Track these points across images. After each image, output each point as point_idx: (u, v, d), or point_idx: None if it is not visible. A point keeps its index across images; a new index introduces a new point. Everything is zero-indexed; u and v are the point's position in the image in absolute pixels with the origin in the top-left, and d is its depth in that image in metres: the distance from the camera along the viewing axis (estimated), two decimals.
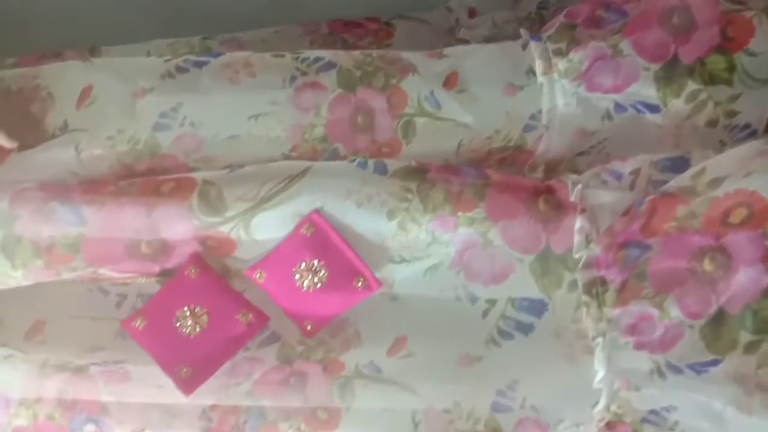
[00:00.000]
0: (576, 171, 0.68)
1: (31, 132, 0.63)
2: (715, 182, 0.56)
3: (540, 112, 0.67)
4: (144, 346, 0.60)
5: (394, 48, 0.82)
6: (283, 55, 0.67)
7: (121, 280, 0.62)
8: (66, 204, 0.58)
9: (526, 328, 0.61)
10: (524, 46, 0.70)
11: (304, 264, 0.61)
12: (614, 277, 0.58)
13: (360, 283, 0.61)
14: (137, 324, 0.60)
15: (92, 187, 0.60)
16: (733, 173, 0.56)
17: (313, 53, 0.68)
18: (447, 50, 0.71)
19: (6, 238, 0.58)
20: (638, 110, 0.68)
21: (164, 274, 0.62)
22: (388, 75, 0.66)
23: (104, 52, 0.76)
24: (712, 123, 0.66)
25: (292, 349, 0.62)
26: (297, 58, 0.67)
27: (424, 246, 0.61)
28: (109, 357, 0.62)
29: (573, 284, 0.61)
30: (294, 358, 0.61)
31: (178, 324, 0.60)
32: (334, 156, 0.65)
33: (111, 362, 0.61)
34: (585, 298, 0.59)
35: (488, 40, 0.81)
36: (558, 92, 0.67)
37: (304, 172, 0.61)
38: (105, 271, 0.60)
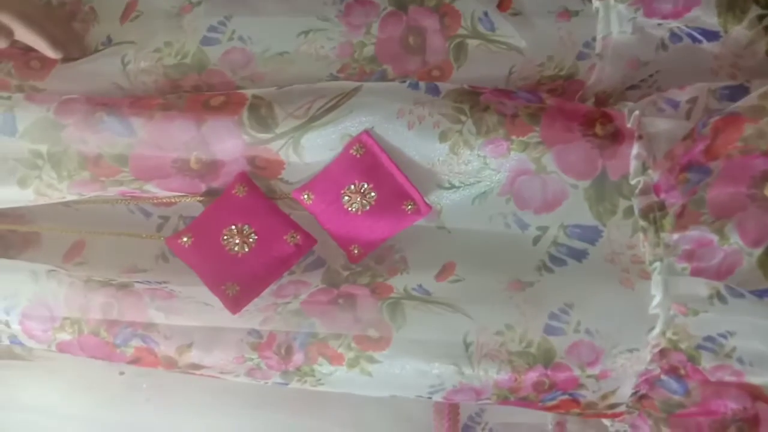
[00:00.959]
0: (625, 102, 0.67)
1: (74, 45, 0.61)
2: None
3: (594, 39, 0.65)
4: (190, 264, 0.59)
5: None
6: None
7: (165, 200, 0.61)
8: (113, 114, 0.57)
9: (579, 255, 0.60)
10: None
11: (353, 186, 0.59)
12: (675, 201, 0.56)
13: (410, 207, 0.60)
14: (183, 241, 0.59)
15: (140, 100, 0.59)
16: None
17: None
18: None
19: (52, 148, 0.57)
20: (695, 39, 0.65)
21: (209, 193, 0.60)
22: None
23: None
24: None
25: (337, 273, 0.61)
26: None
27: (474, 171, 0.60)
28: (151, 277, 0.61)
29: (628, 211, 0.59)
30: (340, 282, 0.60)
31: (225, 242, 0.59)
32: (383, 78, 0.63)
33: (154, 282, 0.60)
34: (642, 222, 0.57)
35: None
36: (614, 18, 0.65)
37: (354, 91, 0.59)
38: (150, 187, 0.59)
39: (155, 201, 0.62)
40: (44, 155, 0.57)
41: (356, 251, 0.61)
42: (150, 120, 0.57)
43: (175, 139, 0.57)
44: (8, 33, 0.57)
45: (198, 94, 0.60)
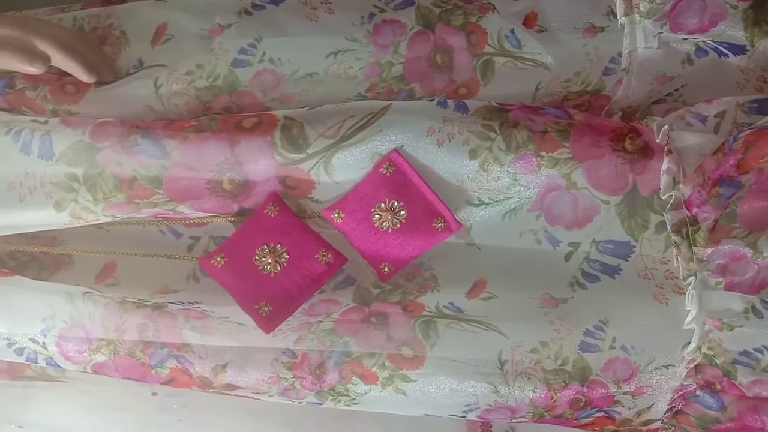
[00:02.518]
0: (653, 116, 0.67)
1: (107, 69, 0.62)
2: None
3: (620, 55, 0.66)
4: (223, 284, 0.59)
5: None
6: None
7: (196, 220, 0.62)
8: (148, 137, 0.57)
9: (612, 271, 0.59)
10: None
11: (383, 204, 0.60)
12: (707, 215, 0.56)
13: (440, 224, 0.60)
14: (217, 261, 0.59)
15: (173, 122, 0.59)
16: None
17: None
18: None
19: (88, 171, 0.57)
20: (720, 53, 0.66)
21: (241, 213, 0.61)
22: (467, 13, 0.64)
23: None
24: None
25: (368, 292, 0.61)
26: None
27: (504, 188, 0.60)
28: (183, 298, 0.62)
29: (661, 225, 0.59)
30: (371, 300, 0.61)
31: (257, 262, 0.59)
32: (411, 97, 0.64)
33: (186, 302, 0.61)
34: (675, 237, 0.57)
35: None
36: (639, 34, 0.65)
37: (384, 110, 0.60)
38: (183, 208, 0.59)
39: (187, 222, 0.62)
40: (80, 178, 0.58)
41: (386, 269, 0.61)
42: (183, 141, 0.58)
43: (209, 160, 0.58)
44: (45, 59, 0.58)
45: (230, 116, 0.60)
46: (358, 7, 0.64)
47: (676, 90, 0.69)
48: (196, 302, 0.61)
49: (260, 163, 0.58)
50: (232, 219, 0.61)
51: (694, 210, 0.57)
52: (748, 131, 0.56)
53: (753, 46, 0.64)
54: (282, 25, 0.63)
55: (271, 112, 0.60)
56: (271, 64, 0.62)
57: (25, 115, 0.61)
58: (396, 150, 0.59)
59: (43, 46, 0.59)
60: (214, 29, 0.63)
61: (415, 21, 0.64)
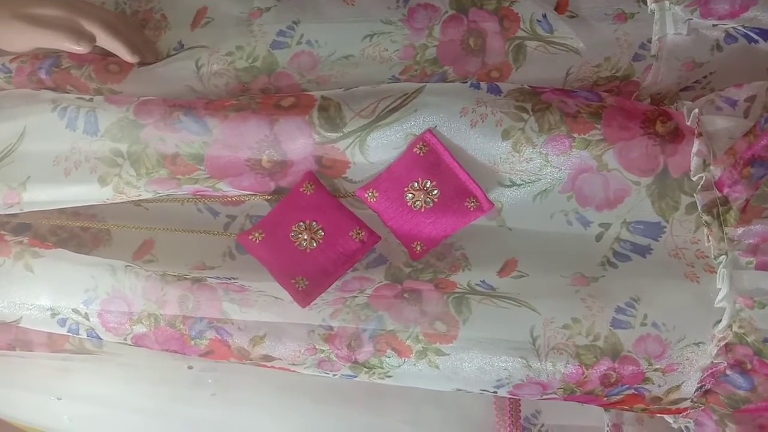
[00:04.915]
0: (682, 101, 0.68)
1: (149, 51, 0.64)
2: None
3: (649, 41, 0.67)
4: (260, 259, 0.61)
5: None
6: None
7: (234, 198, 0.63)
8: (190, 114, 0.59)
9: (643, 250, 0.60)
10: None
11: (416, 183, 0.61)
12: (738, 195, 0.57)
13: (472, 204, 0.61)
14: (254, 237, 0.61)
15: (213, 101, 0.61)
16: None
17: None
18: None
19: (132, 147, 0.59)
20: (750, 39, 0.66)
21: (277, 192, 0.62)
22: None
23: None
24: None
25: (399, 270, 0.62)
26: None
27: (536, 169, 0.61)
28: (221, 274, 0.63)
29: (691, 206, 0.60)
30: (403, 278, 0.62)
31: (294, 238, 0.61)
32: (443, 79, 0.65)
33: (224, 278, 0.62)
34: (706, 217, 0.58)
35: None
36: (669, 20, 0.66)
37: (418, 91, 0.61)
38: (223, 186, 0.61)
39: (224, 200, 0.64)
40: (124, 154, 0.59)
41: (418, 248, 0.62)
42: (224, 120, 0.59)
43: (249, 138, 0.59)
44: (91, 39, 0.60)
45: (269, 96, 0.62)
46: None
47: (705, 77, 0.69)
48: (233, 278, 0.62)
49: (298, 142, 0.60)
50: (269, 198, 0.63)
51: (726, 190, 0.58)
52: None
53: None
54: (319, 8, 0.64)
55: (308, 92, 0.62)
56: (308, 46, 0.63)
57: (70, 93, 0.63)
58: (430, 130, 0.60)
59: (89, 27, 0.60)
60: (254, 12, 0.65)
61: (449, 5, 0.65)
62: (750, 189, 0.57)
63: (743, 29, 0.66)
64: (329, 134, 0.60)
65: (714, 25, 0.66)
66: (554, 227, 0.62)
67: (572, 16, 0.66)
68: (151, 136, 0.59)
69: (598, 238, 0.62)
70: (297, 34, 0.63)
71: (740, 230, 0.56)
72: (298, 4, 0.64)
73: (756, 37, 0.66)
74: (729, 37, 0.67)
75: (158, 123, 0.59)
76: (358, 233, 0.61)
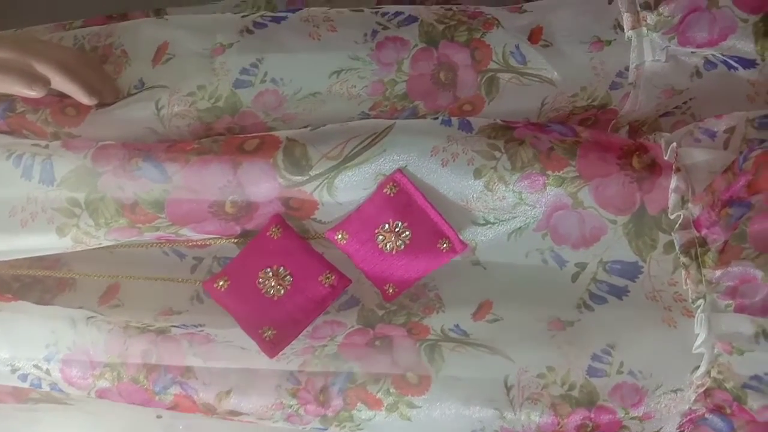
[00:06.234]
0: (660, 132, 0.66)
1: (108, 90, 0.62)
2: None
3: (627, 69, 0.65)
4: (226, 308, 0.59)
5: None
6: (362, 10, 0.65)
7: (200, 242, 0.61)
8: (149, 160, 0.57)
9: (620, 292, 0.59)
10: (610, 1, 0.67)
11: (387, 225, 0.59)
12: (717, 237, 0.55)
13: (445, 245, 0.59)
14: (219, 285, 0.59)
15: (175, 144, 0.59)
16: None
17: (392, 8, 0.65)
18: (527, 5, 0.68)
19: (90, 196, 0.57)
20: (730, 66, 0.64)
21: (244, 235, 0.60)
22: (471, 29, 0.64)
23: (170, 13, 0.75)
24: None
25: (372, 313, 0.61)
26: (376, 13, 0.65)
27: (510, 207, 0.59)
28: (187, 320, 0.61)
29: (669, 245, 0.58)
30: (375, 321, 0.60)
31: (261, 285, 0.59)
32: (414, 114, 0.63)
33: (191, 325, 0.60)
34: (683, 259, 0.56)
35: None
36: (647, 47, 0.64)
37: (387, 129, 0.59)
38: (186, 231, 0.59)
39: (189, 243, 0.62)
40: (82, 203, 0.57)
41: (391, 290, 0.60)
42: (186, 165, 0.57)
43: (211, 183, 0.57)
44: (45, 82, 0.58)
45: (233, 137, 0.60)
46: (361, 25, 0.63)
47: (685, 103, 0.68)
48: (200, 324, 0.61)
49: (263, 186, 0.58)
50: (236, 240, 0.61)
51: (704, 231, 0.56)
52: (759, 151, 0.55)
53: (763, 59, 0.63)
54: (284, 43, 0.62)
55: (273, 133, 0.60)
56: (273, 84, 0.61)
57: (26, 138, 0.61)
58: (400, 170, 0.59)
59: (43, 69, 0.58)
60: (216, 48, 0.62)
61: (418, 38, 0.63)
62: (728, 230, 0.55)
63: (722, 56, 0.64)
64: (295, 177, 0.58)
65: (693, 52, 0.64)
66: (530, 266, 0.61)
67: (546, 45, 0.64)
68: (109, 185, 0.57)
69: (574, 278, 0.60)
70: (261, 71, 0.61)
71: (719, 272, 0.55)
72: (262, 40, 0.62)
73: (735, 64, 0.64)
74: (708, 63, 0.65)
75: (117, 170, 0.57)
76: (328, 278, 0.59)
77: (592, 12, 0.66)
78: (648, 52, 0.64)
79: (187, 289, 0.64)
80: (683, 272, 0.56)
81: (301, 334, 0.59)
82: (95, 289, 0.65)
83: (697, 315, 0.55)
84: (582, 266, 0.60)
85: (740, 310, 0.55)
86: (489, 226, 0.61)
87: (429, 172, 0.59)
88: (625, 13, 0.65)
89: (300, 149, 0.58)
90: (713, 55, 0.64)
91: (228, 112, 0.61)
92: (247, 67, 0.61)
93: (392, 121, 0.60)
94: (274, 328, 0.58)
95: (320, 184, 0.58)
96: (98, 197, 0.57)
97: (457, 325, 0.59)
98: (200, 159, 0.57)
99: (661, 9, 0.64)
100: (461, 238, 0.60)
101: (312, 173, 0.58)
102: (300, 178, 0.58)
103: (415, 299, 0.62)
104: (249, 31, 0.63)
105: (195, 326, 0.60)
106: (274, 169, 0.57)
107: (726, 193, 0.55)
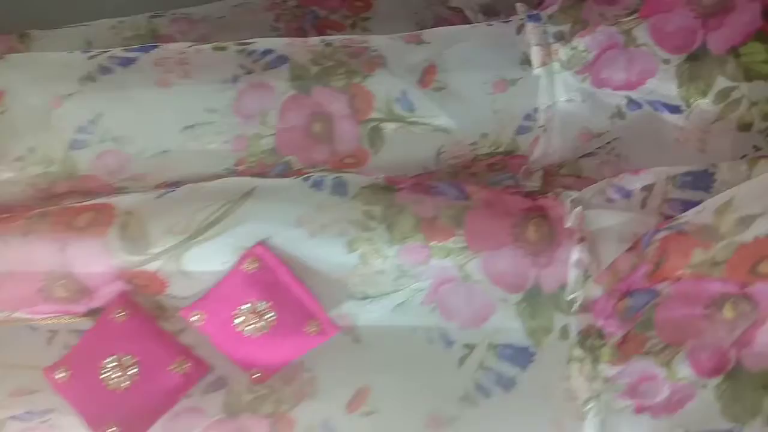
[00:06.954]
0: (580, 175, 0.58)
1: None
2: (744, 222, 0.44)
3: (536, 110, 0.57)
4: (69, 402, 0.52)
5: (374, 21, 0.71)
6: (225, 48, 0.56)
7: (47, 320, 0.54)
8: None
9: (507, 383, 0.51)
10: (519, 29, 0.58)
11: (247, 306, 0.52)
12: (613, 330, 0.48)
13: (313, 329, 0.52)
14: (59, 376, 0.52)
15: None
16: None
17: (262, 44, 0.57)
18: (426, 34, 0.60)
19: None
20: (656, 108, 0.56)
21: (94, 312, 0.53)
22: (350, 71, 0.55)
23: (35, 38, 0.66)
24: (746, 126, 0.54)
25: (239, 398, 0.54)
26: (242, 51, 0.56)
27: (391, 280, 0.52)
28: (39, 402, 0.55)
29: (565, 330, 0.51)
30: (240, 410, 0.53)
31: (104, 376, 0.52)
32: (287, 170, 0.55)
33: (37, 413, 0.54)
34: (577, 351, 0.49)
35: (486, 9, 0.69)
36: (559, 86, 0.56)
37: (246, 196, 0.51)
38: (20, 315, 0.52)
39: (35, 321, 0.55)
40: None
41: (258, 375, 0.53)
42: (6, 245, 0.50)
43: (35, 266, 0.50)
44: None
45: (65, 210, 0.52)
46: (220, 69, 0.55)
47: (608, 143, 0.59)
48: (49, 410, 0.54)
49: (95, 268, 0.50)
50: (86, 317, 0.54)
51: (600, 322, 0.49)
52: (663, 234, 0.47)
53: (689, 106, 0.54)
54: (128, 95, 0.54)
55: (111, 201, 0.52)
56: (113, 144, 0.53)
57: None
58: (261, 243, 0.51)
59: None
60: (54, 100, 0.54)
61: (289, 83, 0.55)
62: (627, 323, 0.48)
63: (646, 99, 0.56)
64: (131, 258, 0.50)
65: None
66: (415, 345, 0.53)
67: (439, 89, 0.56)
68: None
69: (462, 361, 0.52)
70: (99, 129, 0.53)
71: (616, 369, 0.48)
72: (103, 90, 0.54)
73: (661, 108, 0.56)
74: (632, 103, 0.57)
75: None
76: (181, 365, 0.52)
77: (496, 45, 0.57)
78: (560, 90, 0.56)
79: (43, 362, 0.57)
80: (576, 366, 0.49)
81: (157, 424, 0.53)
82: None
83: (587, 420, 0.48)
84: (470, 348, 0.52)
85: (640, 410, 0.48)
86: (370, 299, 0.53)
87: (296, 244, 0.51)
88: (535, 46, 0.56)
89: (137, 224, 0.50)
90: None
91: (63, 178, 0.53)
92: (84, 124, 0.53)
93: (253, 185, 0.52)
94: (120, 425, 0.51)
95: (165, 262, 0.51)
96: None
97: (326, 422, 0.52)
98: (23, 240, 0.50)
99: (575, 42, 0.56)
100: (338, 314, 0.52)
101: (152, 251, 0.50)
102: (138, 258, 0.50)
103: (289, 381, 0.54)
104: (92, 79, 0.54)
105: (42, 413, 0.54)
106: (106, 249, 0.50)
107: (624, 283, 0.47)
